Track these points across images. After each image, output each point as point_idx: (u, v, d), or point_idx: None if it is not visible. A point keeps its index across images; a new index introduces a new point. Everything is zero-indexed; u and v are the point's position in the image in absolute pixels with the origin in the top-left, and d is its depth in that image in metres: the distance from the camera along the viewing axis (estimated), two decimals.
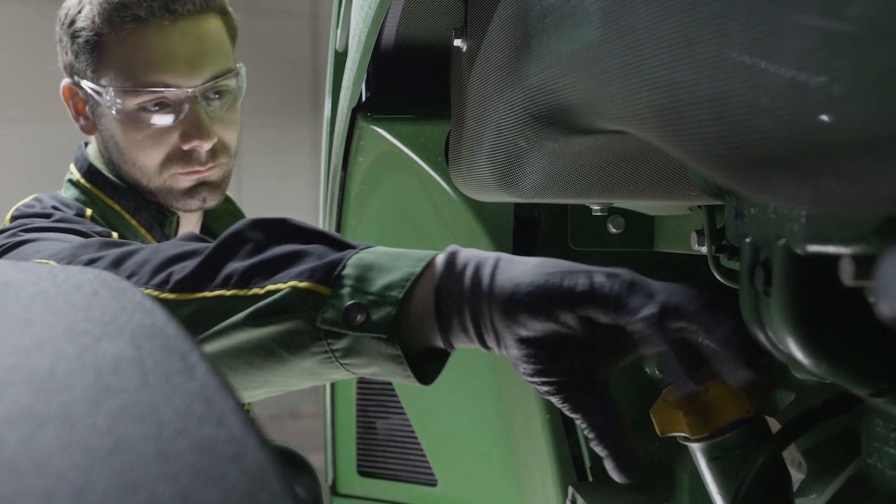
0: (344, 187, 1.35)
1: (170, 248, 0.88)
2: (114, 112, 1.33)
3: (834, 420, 0.77)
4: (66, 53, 1.39)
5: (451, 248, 0.83)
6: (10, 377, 0.42)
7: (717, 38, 0.45)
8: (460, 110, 1.09)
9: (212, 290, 0.83)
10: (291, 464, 1.18)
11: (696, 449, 0.81)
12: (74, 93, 1.41)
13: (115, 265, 0.88)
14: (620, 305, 0.73)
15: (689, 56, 0.47)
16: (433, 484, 1.51)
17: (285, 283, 0.80)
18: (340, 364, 0.82)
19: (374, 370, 0.83)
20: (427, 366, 0.85)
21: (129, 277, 0.86)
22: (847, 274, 0.51)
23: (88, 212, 1.36)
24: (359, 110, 1.27)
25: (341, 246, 0.84)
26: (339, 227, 1.39)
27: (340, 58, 1.40)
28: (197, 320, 0.82)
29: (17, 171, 5.26)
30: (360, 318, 0.78)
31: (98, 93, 1.35)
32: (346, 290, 0.79)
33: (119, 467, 0.38)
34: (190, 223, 1.46)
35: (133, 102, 1.33)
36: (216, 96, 1.37)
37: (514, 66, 0.81)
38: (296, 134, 5.84)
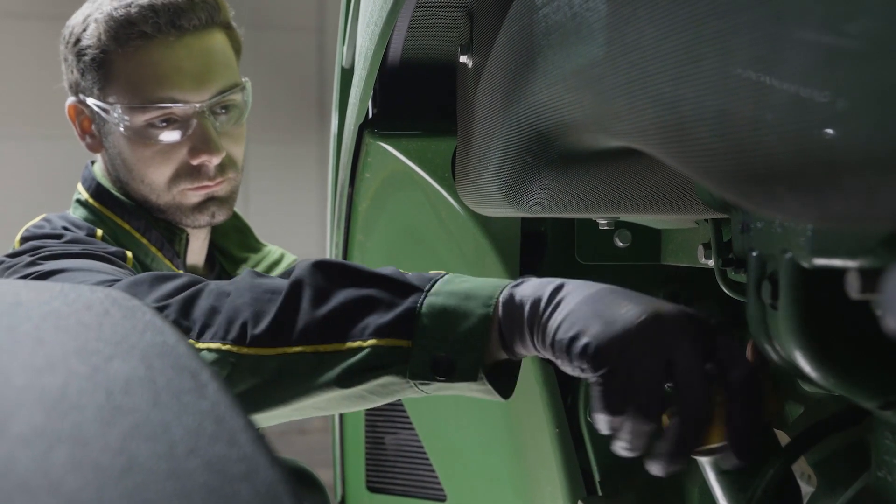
0: (351, 203, 1.36)
1: (236, 294, 0.90)
2: (121, 129, 1.33)
3: (843, 433, 0.77)
4: (72, 72, 1.39)
5: (515, 283, 0.87)
6: (22, 397, 0.42)
7: (721, 55, 0.45)
8: (467, 126, 1.09)
9: (292, 346, 0.86)
10: (302, 481, 1.18)
11: (706, 462, 0.81)
12: (80, 111, 1.41)
13: (183, 314, 0.90)
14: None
15: (694, 73, 0.47)
16: (442, 499, 1.51)
17: (365, 340, 0.85)
18: (430, 394, 0.89)
19: (464, 393, 0.89)
20: (503, 377, 0.89)
21: (202, 329, 0.88)
22: (853, 287, 0.52)
23: (99, 232, 1.36)
24: (366, 127, 1.27)
25: (404, 288, 0.88)
26: (346, 243, 1.39)
27: (347, 74, 1.41)
28: (280, 376, 0.86)
29: (24, 187, 5.27)
30: (447, 367, 0.84)
31: (105, 110, 1.35)
32: (427, 342, 0.84)
33: (131, 486, 0.38)
34: (198, 239, 1.46)
35: (140, 119, 1.33)
36: (223, 111, 1.38)
37: (519, 83, 0.81)
38: (302, 149, 5.85)
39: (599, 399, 0.77)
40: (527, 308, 0.84)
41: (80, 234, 1.32)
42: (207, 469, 0.40)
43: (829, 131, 0.38)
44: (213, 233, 1.54)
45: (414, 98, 1.28)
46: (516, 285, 0.86)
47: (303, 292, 0.87)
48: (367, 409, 1.57)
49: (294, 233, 5.83)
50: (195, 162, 1.35)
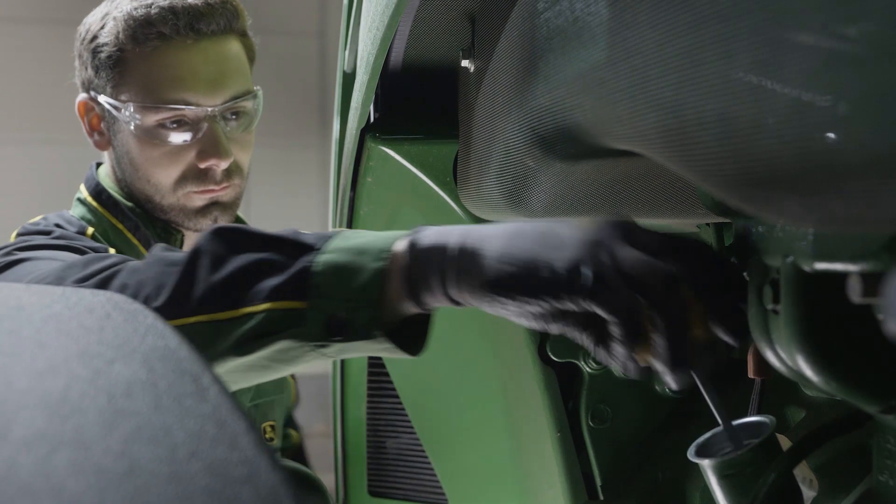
0: (353, 207, 1.36)
1: (144, 268, 0.88)
2: (132, 128, 1.33)
3: (845, 437, 0.77)
4: (86, 69, 1.39)
5: (411, 233, 0.84)
6: (24, 400, 0.42)
7: (722, 59, 0.45)
8: (468, 130, 1.09)
9: (190, 316, 0.83)
10: (303, 485, 1.18)
11: (707, 467, 0.81)
12: (90, 108, 1.41)
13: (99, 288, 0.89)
14: (589, 299, 0.73)
15: (696, 77, 0.47)
16: (444, 503, 1.51)
17: (259, 304, 0.81)
18: (334, 358, 0.85)
19: (368, 353, 0.86)
20: (411, 335, 0.86)
21: None
22: (855, 291, 0.52)
23: (90, 230, 1.36)
24: (367, 131, 1.27)
25: (300, 248, 0.85)
26: None
27: (349, 79, 1.41)
28: None
29: (25, 191, 5.27)
30: (341, 326, 0.80)
31: (116, 108, 1.35)
32: (321, 302, 0.80)
33: (133, 490, 0.38)
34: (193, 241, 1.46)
35: (152, 119, 1.33)
36: (234, 117, 1.38)
37: (521, 87, 0.82)
38: (304, 153, 5.85)
39: (621, 327, 0.72)
40: (438, 254, 0.80)
41: (71, 230, 1.33)
42: (209, 472, 0.40)
43: (831, 135, 0.39)
44: None
45: (416, 102, 1.28)
46: (414, 234, 0.83)
47: (200, 260, 0.85)
48: (369, 413, 1.57)
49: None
50: (203, 165, 1.35)
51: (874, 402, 0.62)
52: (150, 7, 1.32)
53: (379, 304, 0.80)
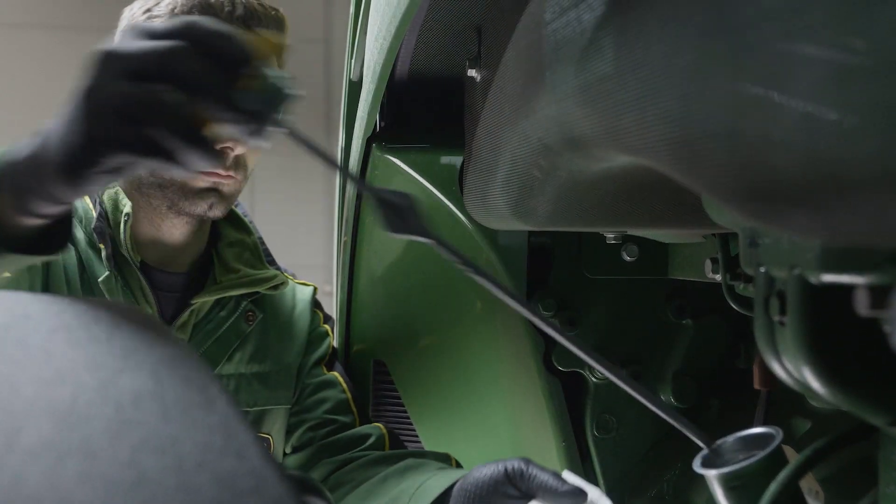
0: (358, 216, 1.36)
1: None
2: None
3: (851, 449, 0.76)
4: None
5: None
6: (32, 410, 0.42)
7: (730, 72, 0.45)
8: (474, 140, 1.09)
9: None
10: (309, 494, 1.17)
11: (713, 478, 0.80)
12: None
13: None
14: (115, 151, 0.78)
15: (703, 89, 0.47)
16: None
17: None
18: None
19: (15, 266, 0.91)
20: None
21: None
22: (862, 304, 0.51)
23: None
24: (373, 140, 1.28)
25: None
26: (353, 256, 1.40)
27: (355, 87, 1.41)
28: None
29: None
30: None
31: None
32: None
33: (140, 500, 0.38)
34: (179, 229, 1.47)
35: None
36: None
37: (528, 97, 0.82)
38: (308, 159, 5.86)
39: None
40: (14, 167, 0.84)
41: None
42: (216, 483, 0.40)
43: (838, 148, 0.39)
44: (220, 240, 1.55)
45: (422, 111, 1.28)
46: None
47: None
48: (374, 421, 1.57)
49: (299, 243, 5.84)
50: (218, 145, 1.37)
51: (881, 415, 0.62)
52: None
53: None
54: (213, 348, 1.48)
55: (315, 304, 1.64)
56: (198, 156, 0.77)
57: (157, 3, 1.39)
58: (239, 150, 1.38)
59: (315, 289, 1.65)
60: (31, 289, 1.35)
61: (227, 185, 1.42)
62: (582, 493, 1.08)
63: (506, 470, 1.14)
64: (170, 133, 0.75)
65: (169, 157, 0.77)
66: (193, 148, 0.77)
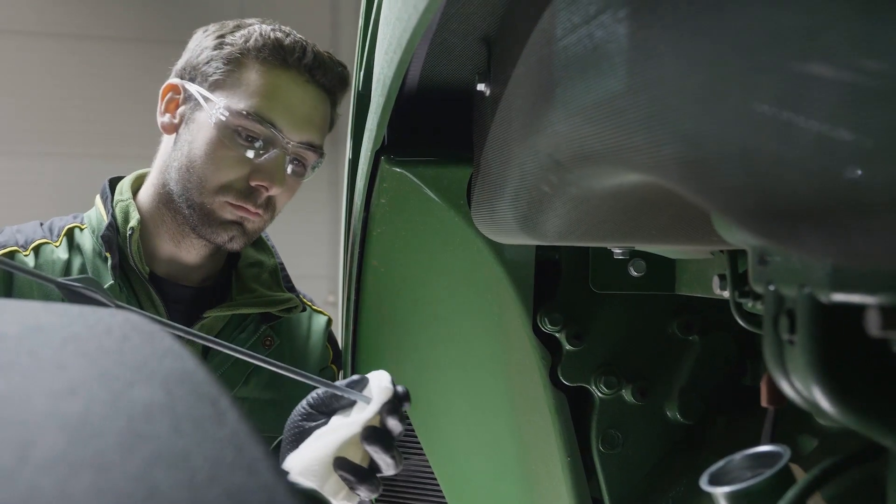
0: (366, 229, 1.36)
1: None
2: (212, 121, 1.38)
3: (859, 469, 0.76)
4: (200, 54, 1.46)
5: None
6: (44, 422, 0.43)
7: (744, 92, 0.45)
8: (483, 154, 1.10)
9: None
10: None
11: (720, 496, 0.80)
12: (177, 92, 1.48)
13: None
14: None
15: (716, 109, 0.48)
16: None
17: None
18: None
19: None
20: None
21: None
22: (873, 324, 0.51)
23: (39, 242, 1.45)
24: (382, 152, 1.28)
25: None
26: (360, 268, 1.40)
27: (363, 99, 1.42)
28: None
29: (37, 204, 5.30)
30: None
31: (206, 99, 1.42)
32: None
33: None
34: (197, 250, 1.49)
35: (236, 122, 1.40)
36: (297, 162, 1.45)
37: (537, 112, 0.82)
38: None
39: None
40: None
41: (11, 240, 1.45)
42: (228, 498, 0.40)
43: (854, 170, 0.39)
44: (239, 259, 1.56)
45: (431, 125, 1.28)
46: None
47: None
48: None
49: (305, 253, 5.84)
50: (254, 183, 1.42)
51: (890, 435, 0.62)
52: (288, 36, 1.45)
53: None
54: (231, 370, 1.49)
55: (329, 339, 1.65)
56: None
57: (232, 32, 1.43)
58: (273, 192, 1.41)
59: (330, 320, 1.66)
60: None
61: (252, 222, 1.45)
62: (363, 379, 1.17)
63: (307, 402, 1.22)
64: None
65: None
66: None
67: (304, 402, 1.23)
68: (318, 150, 1.47)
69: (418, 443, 1.52)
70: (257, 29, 1.44)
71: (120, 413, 0.44)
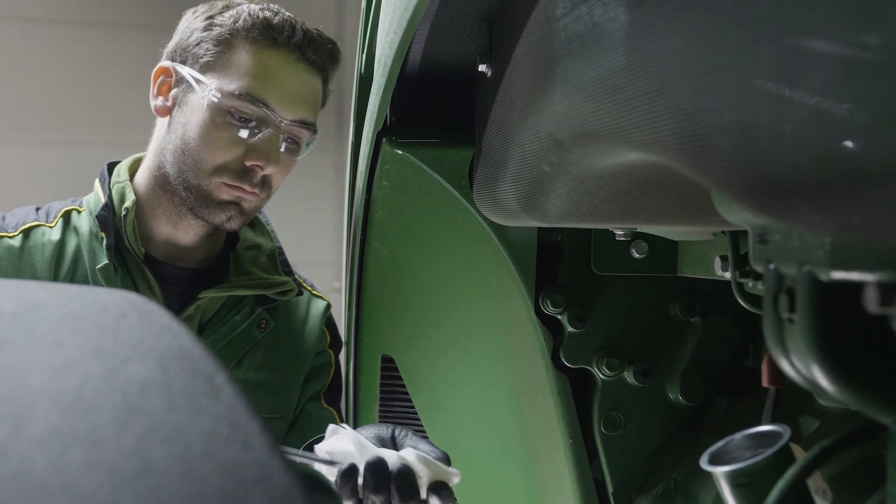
0: (368, 211, 1.36)
1: None
2: (205, 103, 1.39)
3: (859, 448, 0.76)
4: (190, 36, 1.46)
5: None
6: (38, 398, 0.43)
7: (741, 67, 0.45)
8: (484, 135, 1.09)
9: None
10: (315, 487, 1.18)
11: (720, 475, 0.80)
12: (168, 75, 1.48)
13: None
14: None
15: (714, 84, 0.47)
16: None
17: None
18: None
19: None
20: None
21: None
22: (872, 301, 0.51)
23: (27, 226, 1.45)
24: (383, 135, 1.28)
25: None
26: (362, 251, 1.40)
27: (365, 82, 1.41)
28: None
29: (40, 191, 5.30)
30: None
31: (198, 81, 1.42)
32: None
33: (146, 488, 0.38)
34: (194, 231, 1.49)
35: (228, 103, 1.40)
36: (291, 140, 1.44)
37: (538, 92, 0.81)
38: (319, 155, 5.87)
39: None
40: None
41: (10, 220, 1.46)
42: (222, 472, 0.40)
43: (850, 143, 0.38)
44: (238, 242, 1.56)
45: (432, 106, 1.28)
46: None
47: None
48: (381, 416, 1.57)
49: (310, 240, 5.85)
50: (249, 163, 1.41)
51: (889, 413, 0.62)
52: (277, 14, 1.44)
53: None
54: (224, 351, 1.49)
55: (326, 323, 1.65)
56: None
57: (221, 13, 1.43)
58: (268, 171, 1.41)
59: (329, 305, 1.66)
60: None
61: (248, 202, 1.44)
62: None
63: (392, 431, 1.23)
64: None
65: None
66: None
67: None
68: (311, 126, 1.46)
69: (421, 425, 1.52)
70: (246, 9, 1.44)
71: (115, 389, 0.44)
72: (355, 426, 1.60)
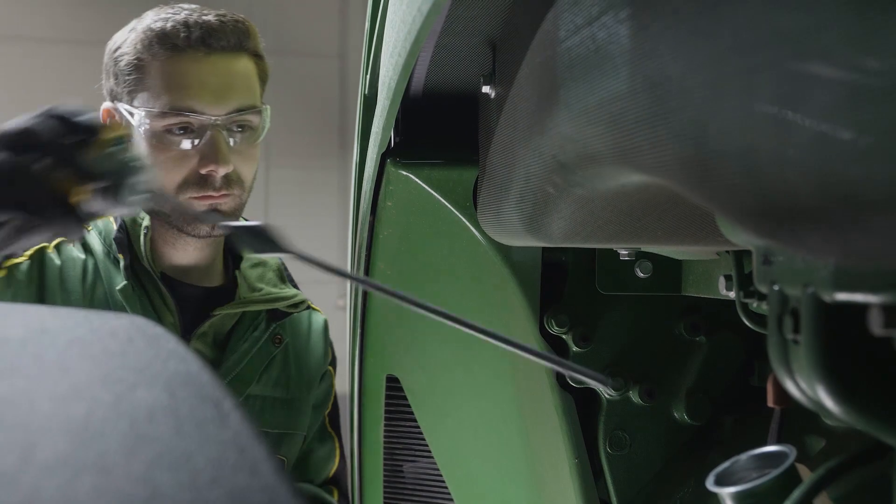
0: (373, 232, 1.36)
1: None
2: (142, 132, 1.39)
3: (865, 468, 0.76)
4: (109, 78, 1.48)
5: None
6: (47, 425, 0.43)
7: (744, 92, 0.45)
8: (488, 156, 1.10)
9: None
10: None
11: (727, 496, 0.80)
12: (112, 115, 1.49)
13: None
14: None
15: (717, 109, 0.48)
16: None
17: None
18: None
19: None
20: None
21: None
22: (876, 323, 0.51)
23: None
24: (388, 155, 1.28)
25: None
26: (367, 272, 1.40)
27: (369, 102, 1.42)
28: None
29: None
30: None
31: (130, 114, 1.43)
32: None
33: None
34: (192, 249, 1.50)
35: (160, 124, 1.40)
36: (239, 129, 1.44)
37: (542, 114, 0.82)
38: (323, 174, 5.88)
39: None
40: None
41: None
42: (230, 499, 0.40)
43: (853, 169, 0.39)
44: (242, 261, 1.57)
45: (436, 127, 1.28)
46: None
47: None
48: (386, 436, 1.57)
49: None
50: (203, 171, 1.41)
51: (895, 433, 0.62)
52: (167, 21, 1.42)
53: None
54: (247, 367, 1.51)
55: (326, 338, 1.66)
56: (55, 212, 0.97)
57: (123, 42, 1.45)
58: (222, 171, 1.41)
59: (326, 319, 1.67)
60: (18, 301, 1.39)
61: (224, 204, 1.45)
62: None
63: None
64: (33, 193, 0.97)
65: (35, 212, 0.97)
66: (51, 205, 0.97)
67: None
68: (250, 109, 1.45)
69: (426, 445, 1.52)
70: (141, 27, 1.44)
71: (122, 415, 0.44)
72: (360, 448, 1.60)
